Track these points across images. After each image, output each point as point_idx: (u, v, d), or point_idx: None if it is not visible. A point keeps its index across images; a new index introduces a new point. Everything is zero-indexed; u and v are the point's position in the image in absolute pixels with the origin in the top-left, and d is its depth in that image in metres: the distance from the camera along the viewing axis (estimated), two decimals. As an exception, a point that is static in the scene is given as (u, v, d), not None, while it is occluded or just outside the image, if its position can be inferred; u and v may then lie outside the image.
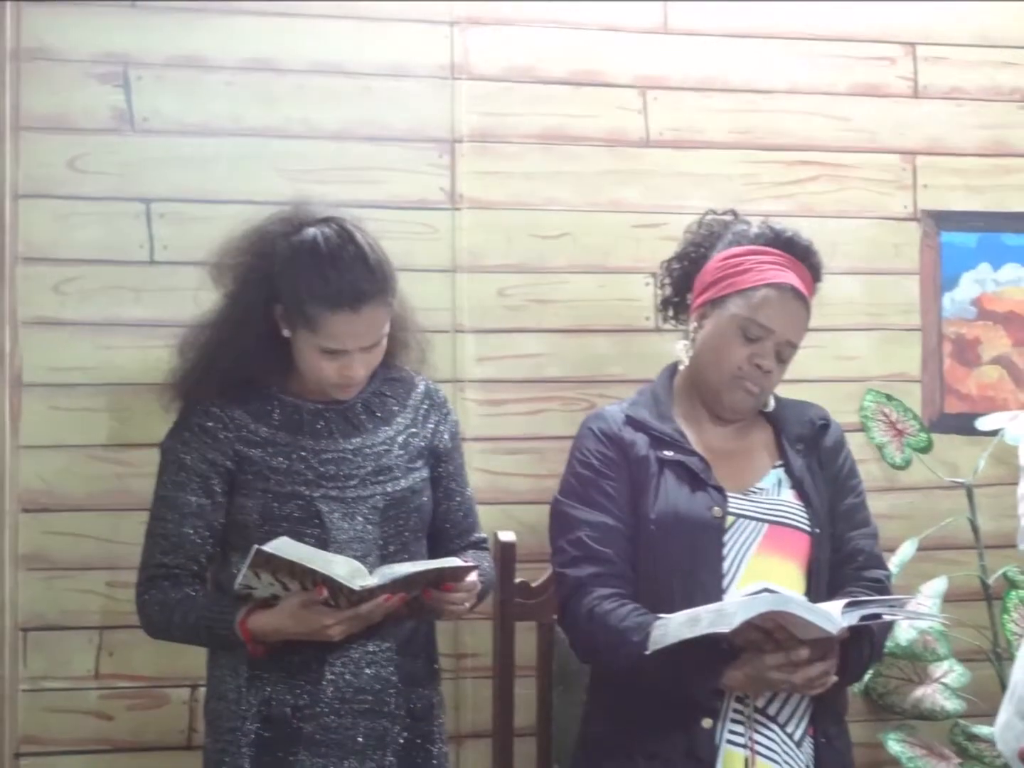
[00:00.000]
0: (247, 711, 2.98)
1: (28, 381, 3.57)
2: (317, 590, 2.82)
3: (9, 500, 3.52)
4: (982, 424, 3.92)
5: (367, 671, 3.01)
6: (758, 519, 3.08)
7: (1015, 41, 4.10)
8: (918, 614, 3.58)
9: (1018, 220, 4.06)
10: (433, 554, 3.14)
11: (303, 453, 3.03)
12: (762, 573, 3.03)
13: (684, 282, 3.31)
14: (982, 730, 3.71)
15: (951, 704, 3.75)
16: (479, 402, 3.78)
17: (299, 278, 2.94)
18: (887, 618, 3.01)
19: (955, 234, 4.03)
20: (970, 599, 3.90)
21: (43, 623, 3.58)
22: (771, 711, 2.99)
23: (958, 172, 4.06)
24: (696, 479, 3.08)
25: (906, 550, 3.78)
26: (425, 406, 3.19)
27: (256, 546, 2.78)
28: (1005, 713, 3.14)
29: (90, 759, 3.59)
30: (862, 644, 2.99)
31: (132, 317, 3.61)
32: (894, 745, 3.69)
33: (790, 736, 2.98)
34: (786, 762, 2.96)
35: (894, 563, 3.68)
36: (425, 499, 3.13)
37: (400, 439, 3.12)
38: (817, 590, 3.05)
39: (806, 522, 3.10)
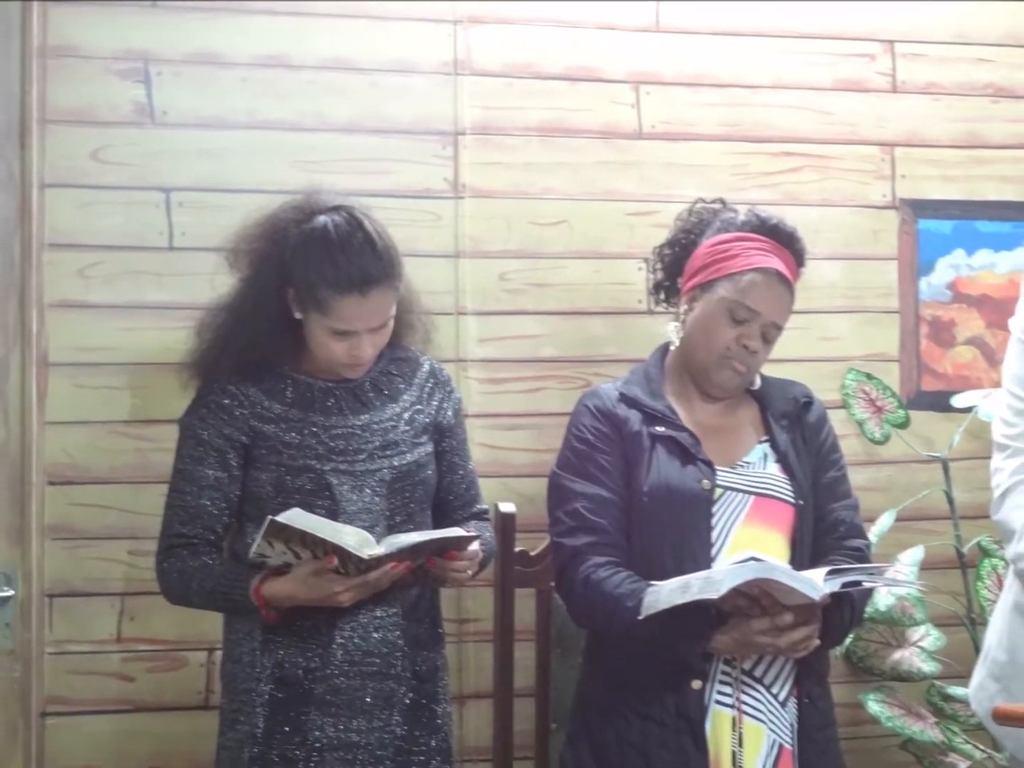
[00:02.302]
0: (261, 673, 2.97)
1: (54, 360, 3.55)
2: (328, 558, 2.81)
3: (36, 473, 3.50)
4: (957, 401, 3.91)
5: (375, 635, 3.00)
6: (745, 491, 3.06)
7: (989, 39, 4.08)
8: (896, 581, 3.57)
9: (991, 208, 4.04)
10: (437, 525, 3.12)
11: (314, 429, 3.02)
12: (749, 543, 3.01)
13: (675, 267, 3.30)
14: (957, 691, 3.70)
15: (927, 666, 3.73)
16: (480, 380, 3.76)
17: (310, 263, 2.92)
18: (867, 585, 3.00)
19: (931, 221, 4.01)
20: (945, 567, 3.89)
21: (68, 590, 3.56)
22: (757, 673, 2.98)
23: (934, 163, 4.04)
24: (686, 453, 3.06)
25: (885, 521, 3.76)
26: (430, 384, 3.18)
27: (270, 517, 2.77)
28: (979, 675, 3.15)
29: (112, 718, 3.58)
30: (843, 610, 2.98)
31: (152, 300, 3.59)
32: (873, 705, 3.67)
33: (775, 697, 2.97)
34: (771, 721, 2.96)
35: (873, 533, 3.66)
36: (430, 472, 3.12)
37: (406, 415, 3.11)
38: (801, 559, 3.03)
39: (790, 494, 3.09)
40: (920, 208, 4.01)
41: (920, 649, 3.76)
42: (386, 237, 2.98)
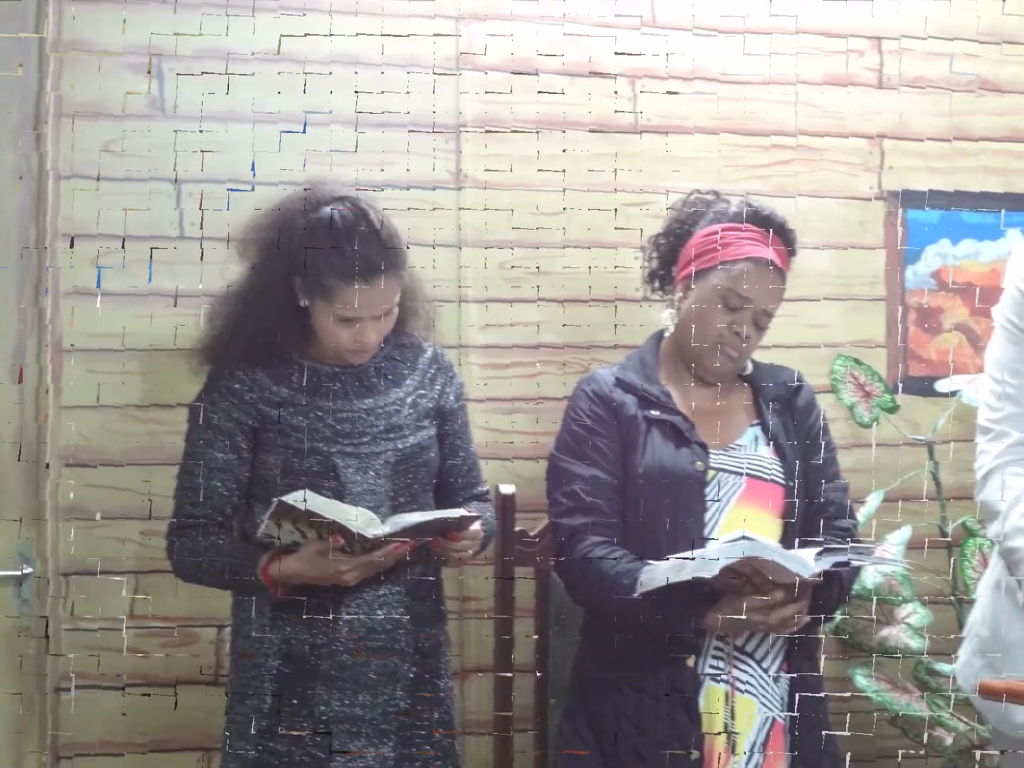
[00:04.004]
0: (269, 649, 2.97)
1: (68, 347, 3.54)
2: (333, 538, 2.80)
3: (52, 455, 3.50)
4: (942, 386, 3.89)
5: (379, 612, 2.99)
6: (737, 473, 3.06)
7: (973, 34, 4.03)
8: (884, 559, 3.56)
9: (975, 199, 4.00)
10: (440, 505, 3.12)
11: (320, 412, 3.01)
12: (741, 523, 3.00)
13: (670, 256, 3.28)
14: (943, 667, 3.68)
15: (914, 643, 3.69)
16: (482, 366, 3.75)
17: (316, 252, 2.90)
18: (855, 563, 2.99)
19: (917, 212, 3.98)
20: (931, 546, 3.82)
21: (83, 568, 3.54)
22: (749, 648, 2.98)
23: (920, 155, 4.00)
24: (681, 436, 3.06)
25: (872, 501, 3.75)
26: (432, 370, 3.17)
27: (277, 498, 2.76)
28: (964, 652, 3.14)
29: (125, 692, 3.57)
30: (832, 587, 2.97)
31: (163, 288, 3.57)
32: (861, 680, 3.66)
33: (766, 671, 2.97)
34: (763, 695, 2.95)
35: (862, 513, 3.64)
36: (432, 455, 3.11)
37: (409, 400, 3.10)
38: (791, 538, 3.02)
39: (781, 475, 3.08)
40: (906, 199, 3.98)
41: (907, 626, 3.72)
42: (390, 226, 2.97)
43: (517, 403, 3.77)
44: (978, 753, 3.55)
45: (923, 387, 3.98)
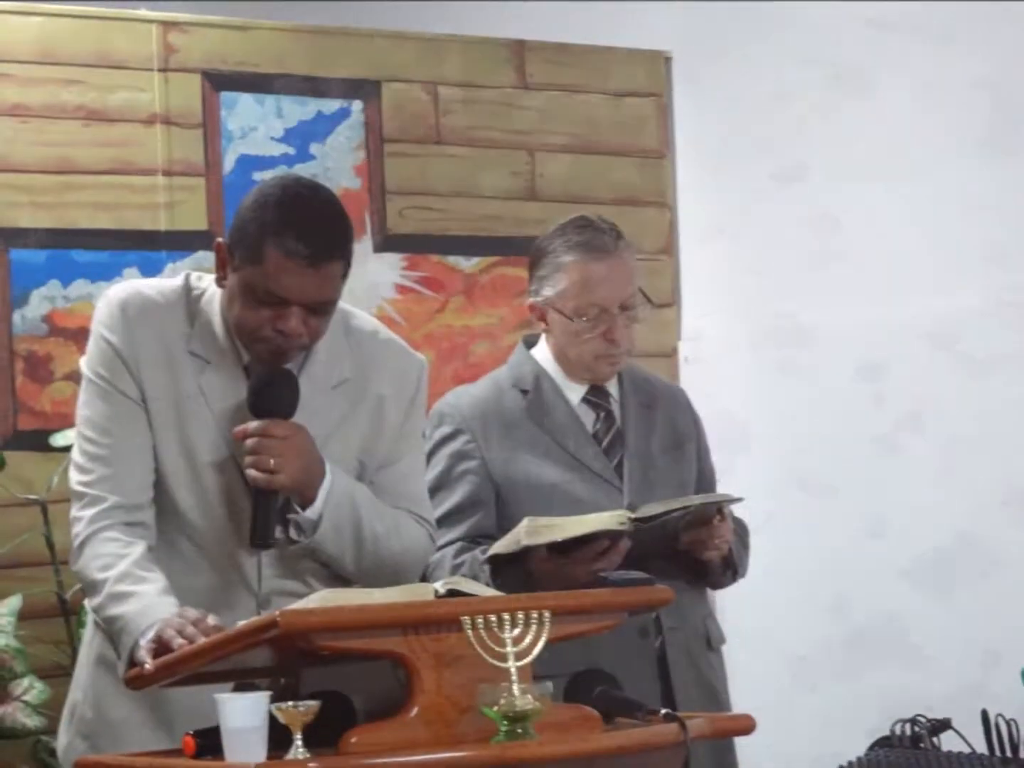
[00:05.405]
0: None
1: None
2: None
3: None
4: (56, 440, 3.71)
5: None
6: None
7: (77, 59, 3.84)
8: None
9: (86, 236, 3.84)
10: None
11: None
12: None
13: None
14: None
15: (32, 721, 3.50)
16: None
17: None
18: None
19: (23, 251, 3.77)
20: (49, 615, 3.67)
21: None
22: None
23: (23, 189, 3.77)
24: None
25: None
26: None
27: None
28: (66, 735, 2.95)
29: None
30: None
31: None
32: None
33: None
34: None
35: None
36: None
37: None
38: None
39: None
40: (11, 237, 3.75)
41: (24, 703, 3.51)
42: None
43: None
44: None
45: (36, 442, 3.77)
